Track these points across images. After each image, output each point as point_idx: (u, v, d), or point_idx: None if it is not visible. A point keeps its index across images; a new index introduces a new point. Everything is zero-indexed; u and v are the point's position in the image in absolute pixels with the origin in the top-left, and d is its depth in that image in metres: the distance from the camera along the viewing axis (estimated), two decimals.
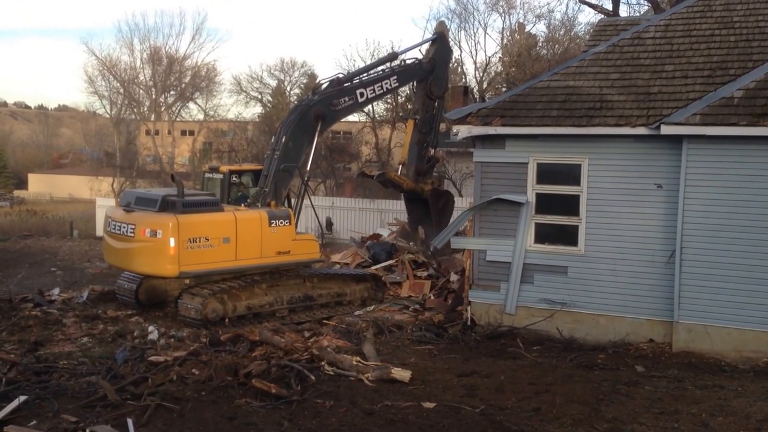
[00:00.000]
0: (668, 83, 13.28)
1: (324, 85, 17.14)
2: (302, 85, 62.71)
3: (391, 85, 17.80)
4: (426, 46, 19.38)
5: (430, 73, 18.19)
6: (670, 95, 12.98)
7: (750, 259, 11.95)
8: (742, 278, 12.00)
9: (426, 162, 18.81)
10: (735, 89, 12.21)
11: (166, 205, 14.22)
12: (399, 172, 19.03)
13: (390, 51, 18.47)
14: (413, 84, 18.64)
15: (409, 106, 40.50)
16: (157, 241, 13.89)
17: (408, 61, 18.34)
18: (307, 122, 16.14)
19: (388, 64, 18.17)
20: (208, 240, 14.24)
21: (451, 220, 18.70)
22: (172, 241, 13.77)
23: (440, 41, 18.75)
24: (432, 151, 19.12)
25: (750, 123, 11.63)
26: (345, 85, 16.92)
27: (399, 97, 41.28)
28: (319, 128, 16.31)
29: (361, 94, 17.04)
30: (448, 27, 44.64)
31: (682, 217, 12.35)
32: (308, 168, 16.66)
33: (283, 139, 15.87)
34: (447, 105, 31.05)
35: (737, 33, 13.97)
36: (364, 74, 17.71)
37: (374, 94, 17.47)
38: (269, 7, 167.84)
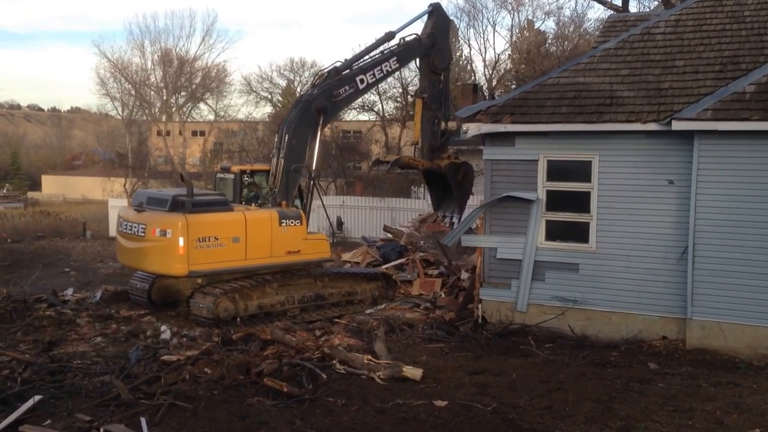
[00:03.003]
0: (679, 79, 13.20)
1: (324, 77, 16.61)
2: (311, 84, 62.67)
3: (391, 66, 17.12)
4: (424, 21, 18.60)
5: (431, 48, 17.50)
6: (681, 91, 12.90)
7: (763, 254, 11.86)
8: (755, 274, 11.91)
9: (440, 136, 18.33)
10: (747, 84, 12.12)
11: (176, 205, 14.29)
12: (414, 153, 18.66)
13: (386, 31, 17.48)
14: (416, 62, 18.01)
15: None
16: (166, 240, 13.96)
17: (407, 39, 17.82)
18: (309, 117, 15.87)
19: (386, 46, 17.31)
20: (217, 239, 14.29)
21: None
22: (181, 241, 13.84)
23: (436, 13, 17.85)
24: (445, 124, 18.57)
25: (762, 118, 11.54)
26: (344, 73, 16.39)
27: (409, 96, 41.23)
28: (321, 122, 16.07)
29: (362, 81, 16.51)
30: (457, 25, 44.79)
31: (695, 213, 12.29)
32: (314, 163, 16.48)
33: (287, 138, 15.70)
34: (458, 103, 31.01)
35: (748, 27, 13.87)
36: (363, 60, 17.03)
37: (375, 79, 16.88)
38: (279, 7, 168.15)
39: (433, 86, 17.67)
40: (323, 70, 17.09)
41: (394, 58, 17.03)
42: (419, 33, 17.48)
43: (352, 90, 16.43)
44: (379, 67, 16.77)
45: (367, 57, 16.97)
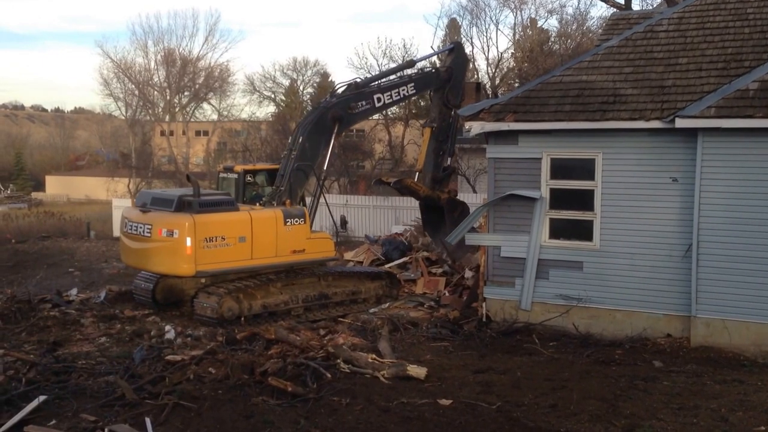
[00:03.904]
0: (682, 76, 13.17)
1: (342, 89, 17.30)
2: (315, 84, 62.82)
3: (408, 92, 18.01)
4: (443, 55, 19.75)
5: (447, 82, 18.41)
6: (684, 88, 12.87)
7: None
8: (760, 271, 11.88)
9: (442, 171, 18.98)
10: (750, 81, 12.10)
11: (182, 205, 14.30)
12: (416, 179, 19.13)
13: (406, 56, 18.99)
14: (430, 92, 18.85)
15: (422, 103, 40.54)
16: (173, 240, 13.97)
17: (425, 69, 18.68)
18: (324, 124, 16.29)
19: (405, 71, 18.54)
20: (224, 239, 14.30)
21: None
22: (188, 241, 13.84)
23: (457, 50, 19.11)
24: (449, 160, 19.28)
25: (766, 115, 11.51)
26: (363, 89, 17.10)
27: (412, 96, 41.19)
28: (336, 130, 16.49)
29: (378, 99, 17.23)
30: (460, 24, 44.85)
31: (699, 211, 12.26)
32: (324, 168, 16.77)
33: (300, 140, 16.01)
34: (460, 102, 31.02)
35: (751, 25, 13.84)
36: (382, 80, 17.94)
37: (391, 100, 17.66)
38: (281, 6, 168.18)
39: (443, 119, 18.56)
40: (342, 82, 17.92)
41: (412, 84, 18.02)
42: (439, 66, 18.44)
43: (369, 106, 17.18)
44: (397, 90, 17.64)
45: (386, 79, 17.97)
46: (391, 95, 17.42)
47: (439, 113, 18.52)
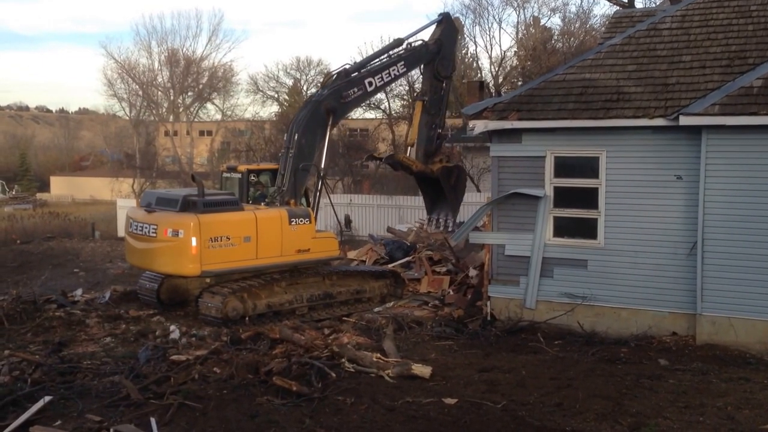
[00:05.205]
0: (686, 74, 13.14)
1: (333, 78, 16.96)
2: (318, 84, 62.75)
3: (398, 71, 17.60)
4: (432, 29, 19.11)
5: (437, 54, 17.97)
6: (688, 86, 12.84)
7: None
8: (765, 269, 11.85)
9: (434, 142, 18.66)
10: (754, 78, 12.06)
11: (188, 205, 14.30)
12: (408, 153, 18.91)
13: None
14: (421, 67, 18.44)
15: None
16: (179, 240, 13.97)
17: (414, 44, 18.02)
18: (318, 117, 16.11)
19: (394, 51, 17.86)
20: (229, 239, 14.31)
21: (464, 218, 18.58)
22: (193, 241, 13.85)
23: (446, 22, 18.49)
24: (440, 130, 18.95)
25: None
26: (353, 75, 16.77)
27: (414, 94, 41.19)
28: (330, 122, 16.31)
29: (370, 83, 16.91)
30: (463, 22, 44.75)
31: (703, 209, 12.23)
32: (323, 163, 16.67)
33: (296, 137, 15.86)
34: (464, 100, 31.00)
35: (755, 22, 13.79)
36: (372, 62, 17.51)
37: (383, 82, 17.32)
38: (285, 6, 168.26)
39: (434, 92, 18.13)
40: (333, 71, 17.48)
41: (402, 62, 17.51)
42: (427, 39, 17.86)
43: (361, 92, 16.80)
44: (387, 71, 17.22)
45: (375, 61, 17.45)
46: (381, 77, 17.08)
47: (430, 86, 18.17)
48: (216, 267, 14.30)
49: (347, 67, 16.88)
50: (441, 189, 18.32)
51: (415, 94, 34.76)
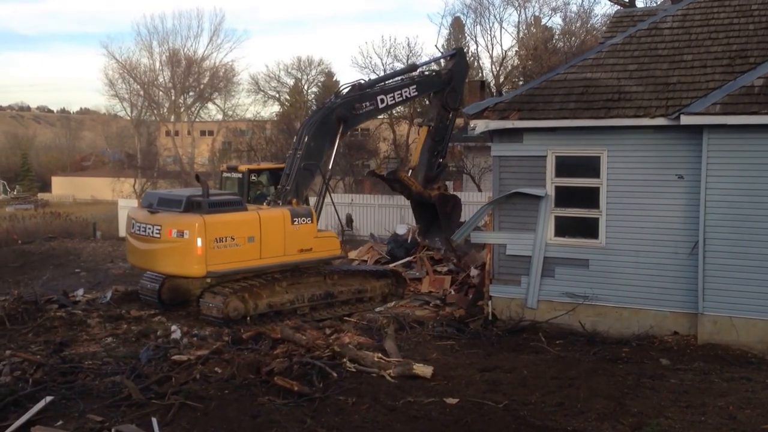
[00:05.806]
0: (687, 73, 13.13)
1: (346, 90, 17.52)
2: (319, 84, 62.88)
3: (410, 93, 18.36)
4: (446, 59, 20.28)
5: (447, 85, 18.76)
6: (689, 85, 12.83)
7: None
8: (767, 268, 11.84)
9: (435, 169, 19.18)
10: (755, 78, 12.05)
11: (191, 206, 14.27)
12: (409, 175, 19.26)
13: (410, 55, 19.72)
14: (430, 94, 19.17)
15: (426, 102, 40.49)
16: (183, 241, 13.94)
17: (427, 72, 19.06)
18: (329, 124, 16.44)
19: (408, 74, 18.86)
20: (233, 239, 14.30)
21: (466, 218, 18.77)
22: (199, 241, 13.82)
23: (459, 56, 19.56)
24: (441, 159, 19.51)
25: None
26: (367, 90, 17.34)
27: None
28: (340, 130, 16.60)
29: (382, 101, 17.52)
30: (464, 22, 44.85)
31: (705, 208, 12.22)
32: (330, 168, 16.91)
33: (306, 139, 16.13)
34: (465, 100, 31.00)
35: (756, 21, 13.77)
36: (385, 82, 18.25)
37: (394, 101, 18.00)
38: (286, 6, 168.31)
39: (440, 120, 19.11)
40: (348, 83, 18.25)
41: (414, 86, 18.42)
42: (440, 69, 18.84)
43: (372, 107, 17.45)
44: (399, 92, 17.98)
45: (390, 81, 18.37)
46: (393, 97, 17.76)
47: (438, 114, 18.88)
48: (221, 267, 14.30)
49: (362, 81, 17.71)
50: (436, 215, 18.65)
51: (420, 103, 35.69)
